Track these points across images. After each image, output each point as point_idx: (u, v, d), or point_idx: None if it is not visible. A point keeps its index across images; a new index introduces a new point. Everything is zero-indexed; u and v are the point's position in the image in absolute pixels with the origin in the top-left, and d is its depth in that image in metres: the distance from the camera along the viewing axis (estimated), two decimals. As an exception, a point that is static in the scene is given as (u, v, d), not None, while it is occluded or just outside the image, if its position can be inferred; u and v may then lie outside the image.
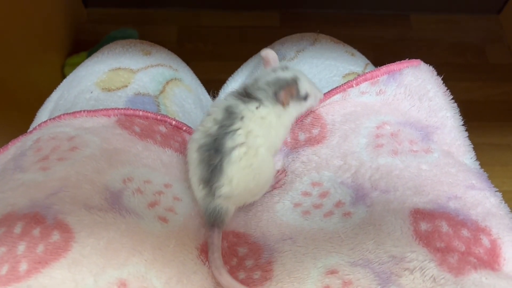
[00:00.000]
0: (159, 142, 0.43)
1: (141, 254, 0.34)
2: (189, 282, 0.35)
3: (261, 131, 0.39)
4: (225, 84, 0.62)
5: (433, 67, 0.46)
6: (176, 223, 0.38)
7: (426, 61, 0.46)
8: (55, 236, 0.34)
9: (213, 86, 0.65)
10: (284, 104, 0.41)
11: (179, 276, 0.35)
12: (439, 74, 0.46)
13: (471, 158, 0.42)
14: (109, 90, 0.48)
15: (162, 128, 0.44)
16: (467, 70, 1.23)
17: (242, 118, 0.39)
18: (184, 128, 0.45)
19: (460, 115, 0.44)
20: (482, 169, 0.42)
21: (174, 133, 0.44)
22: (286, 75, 0.42)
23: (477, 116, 1.19)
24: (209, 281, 0.36)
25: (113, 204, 0.37)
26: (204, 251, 0.38)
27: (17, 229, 0.34)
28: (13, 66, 0.81)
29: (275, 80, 0.41)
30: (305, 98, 0.42)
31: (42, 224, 0.34)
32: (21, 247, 0.33)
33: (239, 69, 0.61)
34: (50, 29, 1.00)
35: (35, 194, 0.36)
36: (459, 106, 0.45)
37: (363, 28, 1.24)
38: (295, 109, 0.42)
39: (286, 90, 0.40)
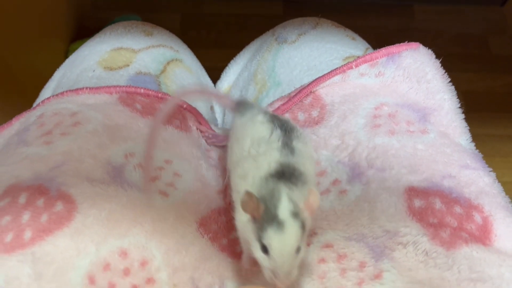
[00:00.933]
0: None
1: (141, 226, 0.35)
2: (188, 253, 0.36)
3: None
4: (227, 67, 0.63)
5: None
6: (176, 198, 0.39)
7: (430, 52, 0.46)
8: (59, 207, 0.35)
9: (216, 74, 0.66)
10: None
11: (178, 247, 0.36)
12: (442, 64, 0.46)
13: (467, 139, 0.43)
14: (111, 69, 0.49)
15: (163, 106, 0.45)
16: (470, 61, 1.23)
17: None
18: (185, 106, 0.46)
19: (461, 106, 0.45)
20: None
21: (175, 111, 0.45)
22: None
23: (479, 107, 1.19)
24: (207, 253, 0.37)
25: (115, 178, 0.38)
26: (203, 224, 0.39)
27: (22, 200, 0.35)
28: (18, 51, 0.82)
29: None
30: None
31: (45, 195, 0.35)
32: (26, 216, 0.34)
33: (241, 52, 0.62)
34: (55, 15, 1.01)
35: (39, 167, 0.37)
36: (461, 96, 0.45)
37: (366, 17, 1.25)
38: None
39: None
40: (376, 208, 0.36)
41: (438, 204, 0.36)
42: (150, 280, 0.34)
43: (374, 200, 0.37)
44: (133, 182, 0.38)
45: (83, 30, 1.13)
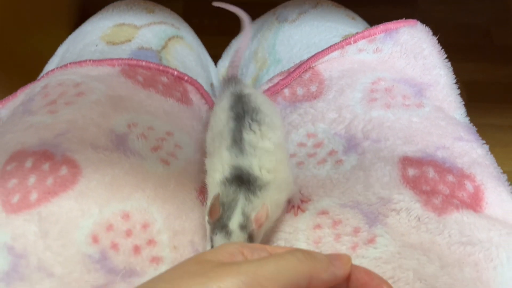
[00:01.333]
0: (161, 92, 0.45)
1: (143, 191, 0.37)
2: (187, 218, 0.37)
3: None
4: (228, 47, 0.65)
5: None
6: (177, 166, 0.40)
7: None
8: (63, 171, 0.36)
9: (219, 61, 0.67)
10: None
11: (178, 213, 0.37)
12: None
13: (462, 114, 0.44)
14: (113, 44, 0.51)
15: (164, 79, 0.46)
16: (472, 51, 1.24)
17: None
18: (186, 78, 0.47)
19: (462, 96, 0.46)
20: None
21: (176, 84, 0.46)
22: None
23: (480, 97, 1.20)
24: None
25: (118, 146, 0.39)
26: (203, 193, 0.40)
27: (28, 164, 0.36)
28: (22, 36, 0.83)
29: None
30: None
31: (51, 160, 0.37)
32: (32, 179, 0.35)
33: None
34: (58, 1, 1.02)
35: (44, 134, 0.39)
36: (462, 87, 0.46)
37: (370, 7, 1.24)
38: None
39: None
40: (371, 177, 0.37)
41: (431, 173, 0.37)
42: (151, 242, 0.35)
43: (369, 169, 0.38)
44: (135, 150, 0.39)
45: (87, 17, 1.14)
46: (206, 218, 0.33)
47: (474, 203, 0.36)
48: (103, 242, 0.34)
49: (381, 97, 0.43)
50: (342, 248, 0.35)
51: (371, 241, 0.34)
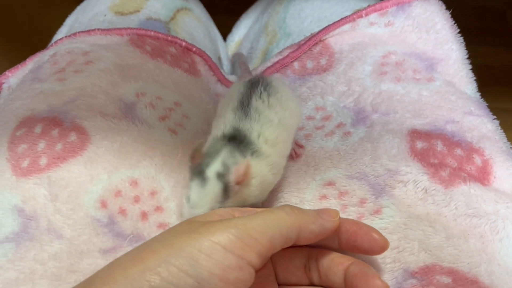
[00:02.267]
0: (169, 62, 0.45)
1: (151, 159, 0.37)
2: None
3: None
4: (238, 21, 0.65)
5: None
6: (184, 136, 0.41)
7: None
8: (72, 137, 0.37)
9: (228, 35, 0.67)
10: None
11: (185, 182, 0.38)
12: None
13: (472, 89, 0.44)
14: (122, 14, 0.51)
15: (172, 49, 0.46)
16: (487, 34, 1.22)
17: None
18: (194, 49, 0.47)
19: (476, 79, 0.45)
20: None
21: (184, 55, 0.47)
22: None
23: (493, 81, 1.19)
24: None
25: (127, 114, 0.40)
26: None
27: (37, 130, 0.37)
28: (30, 11, 0.84)
29: None
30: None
31: (60, 126, 0.37)
32: (41, 145, 0.36)
33: (253, 6, 0.63)
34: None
35: (53, 101, 0.39)
36: (476, 70, 0.46)
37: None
38: None
39: None
40: (379, 148, 0.38)
41: (439, 146, 0.37)
42: (159, 208, 0.36)
43: (377, 141, 0.38)
44: (144, 119, 0.40)
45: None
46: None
47: (482, 177, 0.36)
48: (111, 207, 0.35)
49: (391, 71, 0.43)
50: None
51: (377, 212, 0.35)
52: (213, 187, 0.32)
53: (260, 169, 0.34)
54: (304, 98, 0.45)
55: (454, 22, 0.47)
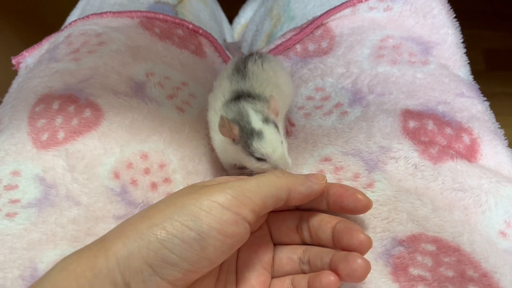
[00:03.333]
0: (176, 44, 0.48)
1: (160, 135, 0.41)
2: (200, 162, 0.41)
3: None
4: (245, 4, 0.67)
5: (458, 14, 0.48)
6: (191, 114, 0.44)
7: (453, 7, 0.49)
8: (87, 113, 0.40)
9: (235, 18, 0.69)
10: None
11: (192, 156, 0.41)
12: (464, 21, 0.48)
13: (466, 72, 0.47)
14: (132, -3, 0.54)
15: (180, 31, 0.49)
16: (493, 18, 1.23)
17: None
18: (200, 31, 0.50)
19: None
20: (498, 123, 0.44)
21: (191, 37, 0.49)
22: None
23: (498, 66, 1.20)
24: (216, 163, 0.42)
25: (137, 92, 0.43)
26: (215, 139, 0.44)
27: (55, 106, 0.41)
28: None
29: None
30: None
31: (75, 103, 0.41)
32: (59, 120, 0.40)
33: None
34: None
35: (69, 79, 0.43)
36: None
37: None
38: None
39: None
40: (373, 127, 0.40)
41: (430, 125, 0.40)
42: (167, 180, 0.39)
43: (372, 120, 0.41)
44: (153, 97, 0.43)
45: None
46: (224, 142, 0.36)
47: (469, 154, 0.39)
48: (124, 178, 0.38)
49: (388, 54, 0.46)
50: (342, 192, 0.39)
51: (369, 185, 0.38)
52: (270, 130, 0.35)
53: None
54: (305, 79, 0.47)
55: (457, 6, 0.49)
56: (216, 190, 0.28)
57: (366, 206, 0.32)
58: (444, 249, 0.33)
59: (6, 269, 0.32)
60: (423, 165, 0.38)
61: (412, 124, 0.40)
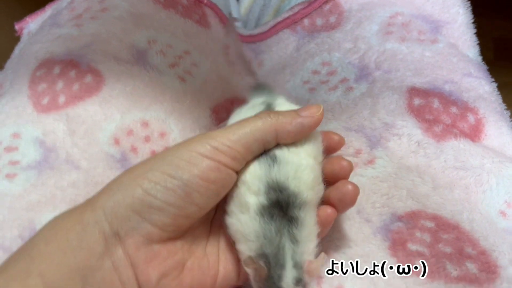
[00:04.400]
0: (180, 13, 0.48)
1: (161, 104, 0.41)
2: (201, 132, 0.42)
3: None
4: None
5: (468, 3, 0.48)
6: (192, 84, 0.44)
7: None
8: (88, 79, 0.41)
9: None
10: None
11: (193, 127, 0.42)
12: (474, 10, 0.48)
13: (475, 53, 0.47)
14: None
15: (184, 0, 0.49)
16: (503, 7, 1.22)
17: None
18: (205, 1, 0.50)
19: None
20: (508, 111, 0.44)
21: (195, 6, 0.50)
22: None
23: (508, 56, 1.20)
24: None
25: (139, 60, 0.43)
26: (216, 112, 0.44)
27: (56, 71, 0.41)
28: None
29: None
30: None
31: (77, 68, 0.41)
32: (60, 84, 0.40)
33: None
34: None
35: (71, 45, 0.43)
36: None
37: None
38: None
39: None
40: (378, 103, 0.41)
41: (436, 103, 0.40)
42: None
43: (377, 97, 0.41)
44: (154, 65, 0.43)
45: None
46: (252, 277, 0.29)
47: (473, 134, 0.40)
48: (124, 145, 0.39)
49: (397, 31, 0.46)
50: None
51: (370, 162, 0.39)
52: None
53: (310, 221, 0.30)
54: (311, 53, 0.48)
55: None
56: (195, 141, 0.29)
57: (340, 142, 0.34)
58: (443, 226, 0.34)
59: (5, 229, 0.33)
60: (426, 143, 0.38)
61: (417, 101, 0.41)
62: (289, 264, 0.28)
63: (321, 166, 0.32)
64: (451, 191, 0.36)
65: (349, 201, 0.31)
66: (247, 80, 0.49)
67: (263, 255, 0.29)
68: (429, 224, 0.35)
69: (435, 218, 0.35)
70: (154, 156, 0.30)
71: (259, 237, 0.29)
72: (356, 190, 0.31)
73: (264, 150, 0.30)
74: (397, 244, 0.34)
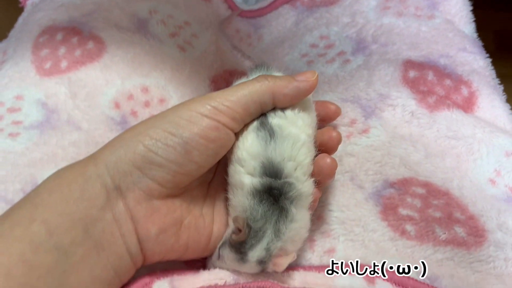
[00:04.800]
0: None
1: (161, 71, 0.42)
2: None
3: None
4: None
5: None
6: (192, 54, 0.46)
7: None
8: (90, 45, 0.42)
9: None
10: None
11: (192, 95, 0.43)
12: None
13: (471, 30, 0.48)
14: None
15: (185, -27, 0.50)
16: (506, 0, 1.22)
17: None
18: None
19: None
20: (509, 107, 0.44)
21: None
22: None
23: (509, 47, 1.20)
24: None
25: (140, 28, 0.44)
26: (215, 82, 0.46)
27: (58, 37, 0.42)
28: None
29: None
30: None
31: (79, 35, 0.42)
32: (62, 50, 0.41)
33: None
34: None
35: (73, 13, 0.44)
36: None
37: None
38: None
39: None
40: (374, 75, 0.42)
41: (430, 76, 0.42)
42: None
43: (373, 69, 0.42)
44: (155, 34, 0.45)
45: None
46: (229, 230, 0.32)
47: (466, 106, 0.41)
48: (124, 109, 0.40)
49: (395, 6, 0.47)
50: (337, 136, 0.40)
51: (365, 131, 0.40)
52: (251, 268, 0.31)
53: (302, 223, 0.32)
54: (310, 28, 0.49)
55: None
56: (195, 101, 0.30)
57: (336, 111, 0.36)
58: (434, 193, 0.35)
59: (8, 183, 0.34)
60: (420, 113, 0.39)
61: (412, 74, 0.42)
62: (262, 245, 0.30)
63: (314, 139, 0.33)
64: (443, 160, 0.37)
65: (327, 174, 0.32)
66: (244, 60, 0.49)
67: (248, 225, 0.31)
68: (420, 190, 0.36)
69: (426, 185, 0.36)
70: (155, 115, 0.31)
71: (246, 212, 0.31)
72: (334, 163, 0.32)
73: (261, 112, 0.31)
74: (388, 209, 0.35)
